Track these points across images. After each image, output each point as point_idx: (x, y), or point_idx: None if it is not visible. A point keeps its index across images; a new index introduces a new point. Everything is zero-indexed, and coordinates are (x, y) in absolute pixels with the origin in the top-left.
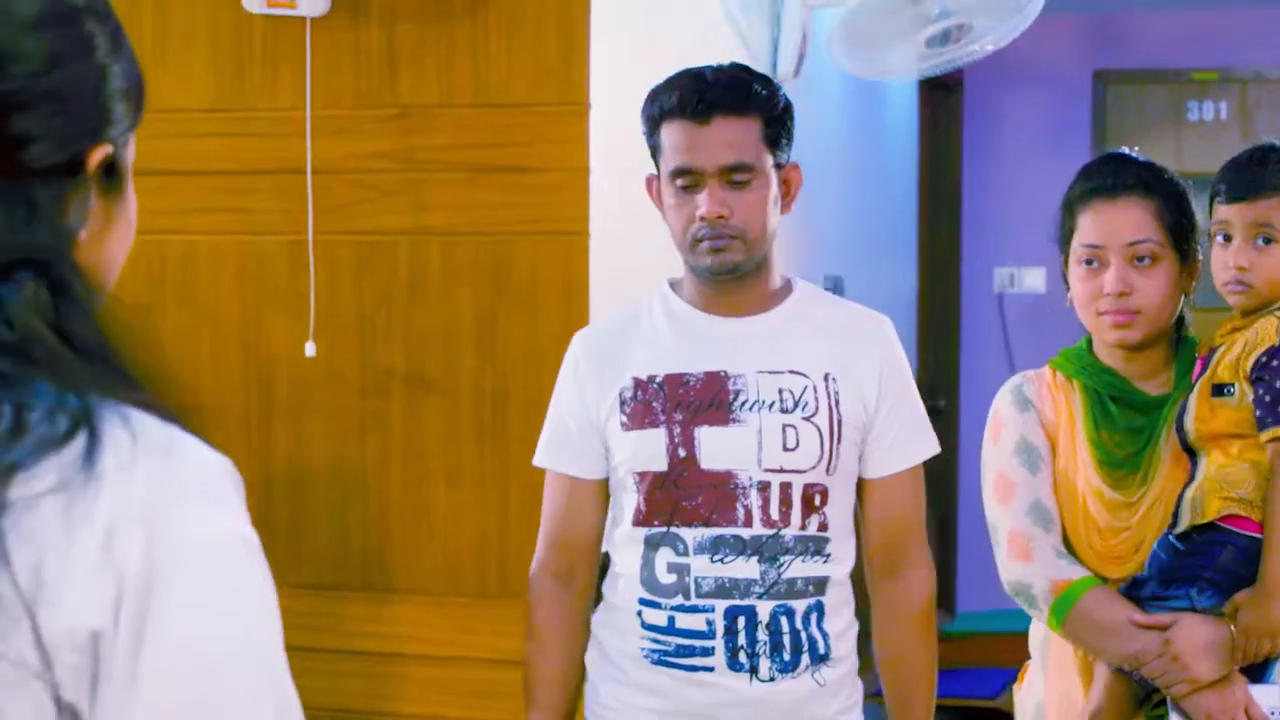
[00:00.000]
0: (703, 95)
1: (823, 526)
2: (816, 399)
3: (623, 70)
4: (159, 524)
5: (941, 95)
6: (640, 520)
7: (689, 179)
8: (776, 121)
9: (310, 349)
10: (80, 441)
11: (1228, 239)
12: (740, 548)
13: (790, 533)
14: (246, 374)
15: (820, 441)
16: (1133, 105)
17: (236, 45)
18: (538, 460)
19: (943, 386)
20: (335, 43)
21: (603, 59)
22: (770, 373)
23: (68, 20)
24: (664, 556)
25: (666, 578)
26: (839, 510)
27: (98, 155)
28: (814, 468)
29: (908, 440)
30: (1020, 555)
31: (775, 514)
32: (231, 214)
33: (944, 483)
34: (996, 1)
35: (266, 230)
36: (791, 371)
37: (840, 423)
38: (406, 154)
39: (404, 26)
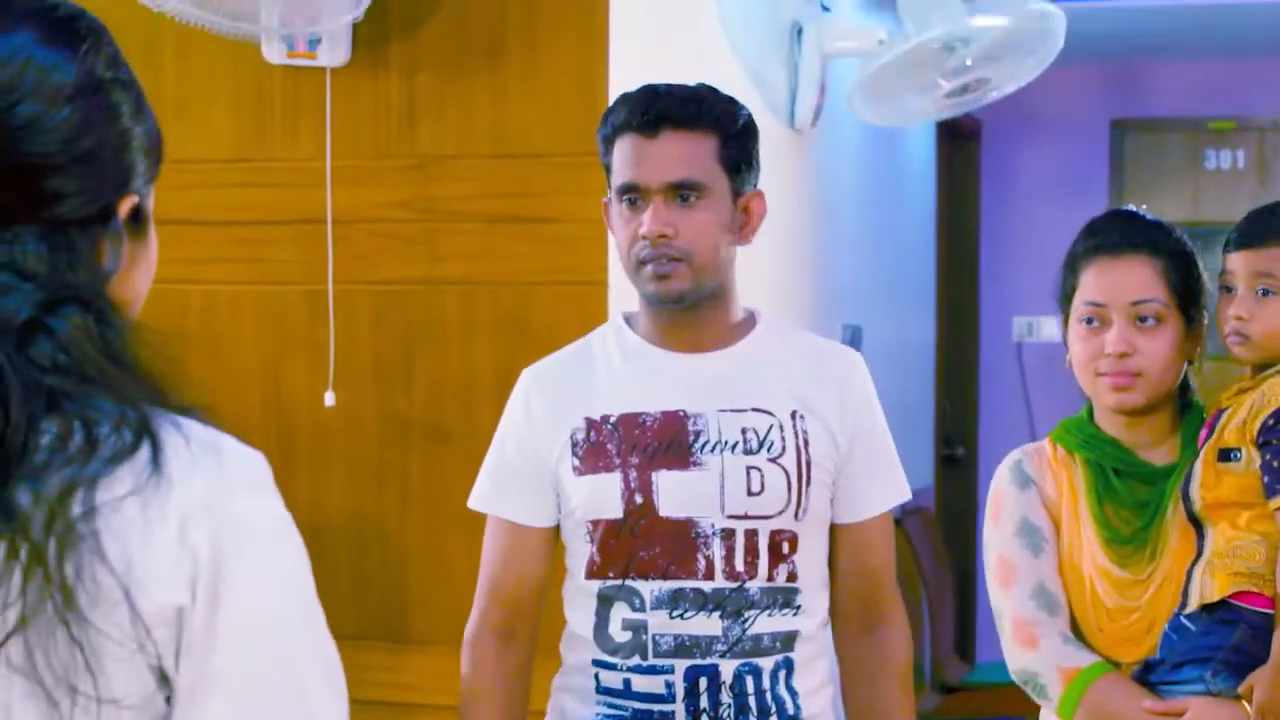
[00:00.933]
0: (651, 107)
1: (792, 576)
2: (783, 438)
3: None
4: (221, 514)
5: (959, 144)
6: (593, 572)
7: (634, 195)
8: (734, 141)
9: (330, 398)
10: (145, 449)
11: (1230, 289)
12: (701, 602)
13: (756, 585)
14: (266, 423)
15: (788, 484)
16: (1150, 154)
17: (257, 96)
18: (474, 503)
19: (961, 435)
20: (355, 93)
21: None
22: (733, 411)
23: (96, 91)
24: (619, 612)
25: (621, 635)
26: (810, 558)
27: (126, 205)
28: (781, 513)
29: (883, 483)
30: (1026, 643)
31: (740, 564)
32: (251, 264)
33: (962, 531)
34: (1013, 51)
35: (286, 280)
36: (755, 410)
37: (809, 464)
38: (426, 204)
39: (423, 77)
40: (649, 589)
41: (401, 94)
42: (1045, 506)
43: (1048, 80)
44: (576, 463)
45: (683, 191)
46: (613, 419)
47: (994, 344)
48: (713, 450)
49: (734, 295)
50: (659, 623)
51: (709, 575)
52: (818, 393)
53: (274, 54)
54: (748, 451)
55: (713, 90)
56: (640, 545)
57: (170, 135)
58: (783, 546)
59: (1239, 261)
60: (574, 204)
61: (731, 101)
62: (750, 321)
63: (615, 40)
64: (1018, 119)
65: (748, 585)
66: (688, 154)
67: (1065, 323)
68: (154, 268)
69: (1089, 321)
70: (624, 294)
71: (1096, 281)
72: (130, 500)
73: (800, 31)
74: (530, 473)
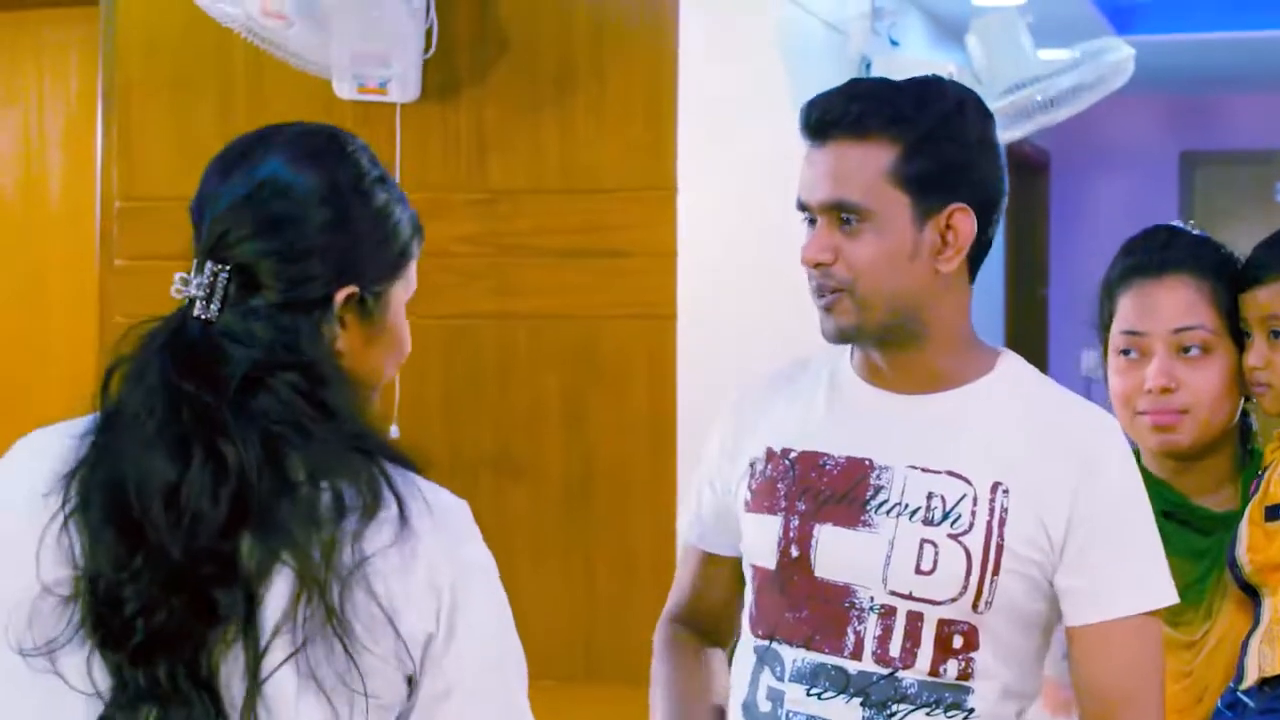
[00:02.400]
0: (823, 107)
1: (965, 675)
2: (974, 513)
3: (710, 155)
4: (457, 562)
5: (1028, 176)
6: (752, 626)
7: (804, 213)
8: (923, 150)
9: (394, 431)
10: (393, 507)
11: (1248, 335)
12: (842, 684)
13: (912, 676)
14: None
15: (966, 568)
16: (1220, 186)
17: None
18: (680, 527)
19: None
20: (425, 128)
21: (690, 143)
22: (924, 471)
23: (323, 202)
24: (765, 678)
25: (764, 704)
26: (998, 660)
27: (342, 294)
28: (953, 600)
29: (1125, 582)
30: (1058, 709)
31: (895, 649)
32: None
33: None
34: (1085, 91)
35: None
36: (950, 473)
37: (1000, 549)
38: (494, 238)
39: (493, 112)
40: (791, 657)
41: (471, 129)
42: None
43: (1117, 112)
44: (748, 496)
45: (842, 214)
46: (794, 454)
47: (1063, 379)
48: (889, 512)
49: (953, 331)
50: (795, 698)
51: (856, 655)
52: (1039, 465)
53: (345, 89)
54: (927, 521)
55: (925, 84)
56: (789, 605)
57: None
58: (954, 640)
59: (1248, 304)
60: (643, 238)
61: (933, 99)
62: (986, 364)
63: (684, 75)
64: (1087, 151)
65: (901, 675)
66: (847, 168)
67: (1105, 355)
68: (400, 347)
69: (1126, 352)
70: (693, 328)
71: (1134, 307)
72: (392, 550)
73: (869, 66)
74: (716, 497)
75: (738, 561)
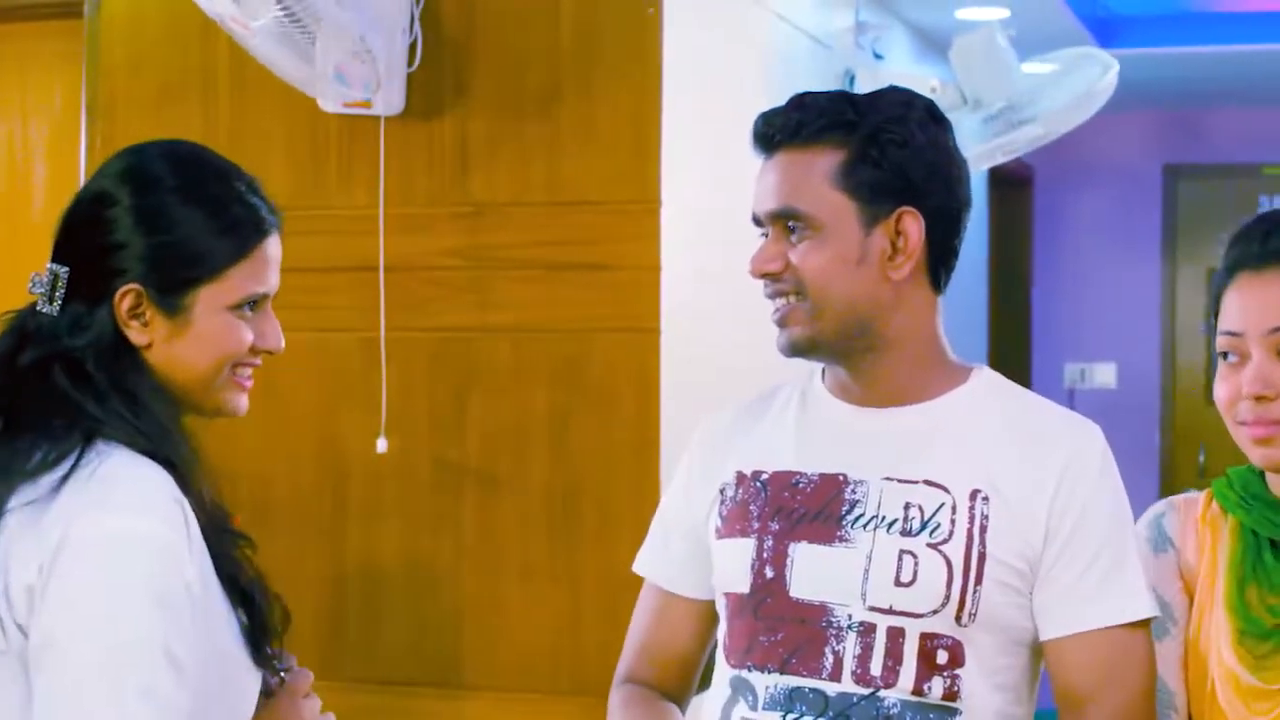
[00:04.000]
0: (768, 120)
1: (951, 695)
2: (954, 521)
3: (695, 169)
4: (83, 521)
5: (1011, 190)
6: (725, 656)
7: (760, 230)
8: (870, 154)
9: (382, 445)
10: (62, 470)
11: (1227, 355)
12: (820, 707)
13: (895, 696)
14: (321, 469)
15: (948, 578)
16: (1203, 200)
17: (312, 144)
18: (636, 564)
19: None
20: (409, 141)
21: (675, 158)
22: (900, 481)
23: (101, 204)
24: (737, 711)
25: None
26: (985, 678)
27: (121, 295)
28: (935, 612)
29: (1105, 593)
30: None
31: (876, 668)
32: (305, 311)
33: None
34: (1067, 106)
35: (340, 327)
36: (927, 482)
37: (983, 558)
38: (479, 251)
39: (477, 125)
40: (764, 684)
41: (455, 142)
42: (1182, 576)
43: (1100, 126)
44: (719, 523)
45: (789, 223)
46: (765, 475)
47: (1046, 391)
48: (866, 525)
49: (915, 341)
50: None
51: (835, 676)
52: (1020, 471)
53: (329, 103)
54: (906, 532)
55: (874, 92)
56: (763, 629)
57: None
58: (936, 655)
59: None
60: (627, 251)
61: (879, 104)
62: (959, 378)
63: (668, 88)
64: (1070, 165)
65: (883, 695)
66: (795, 177)
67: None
68: (210, 345)
69: (1225, 356)
70: (677, 341)
71: (1235, 305)
72: (30, 506)
73: (853, 79)
74: (684, 534)
75: (706, 606)
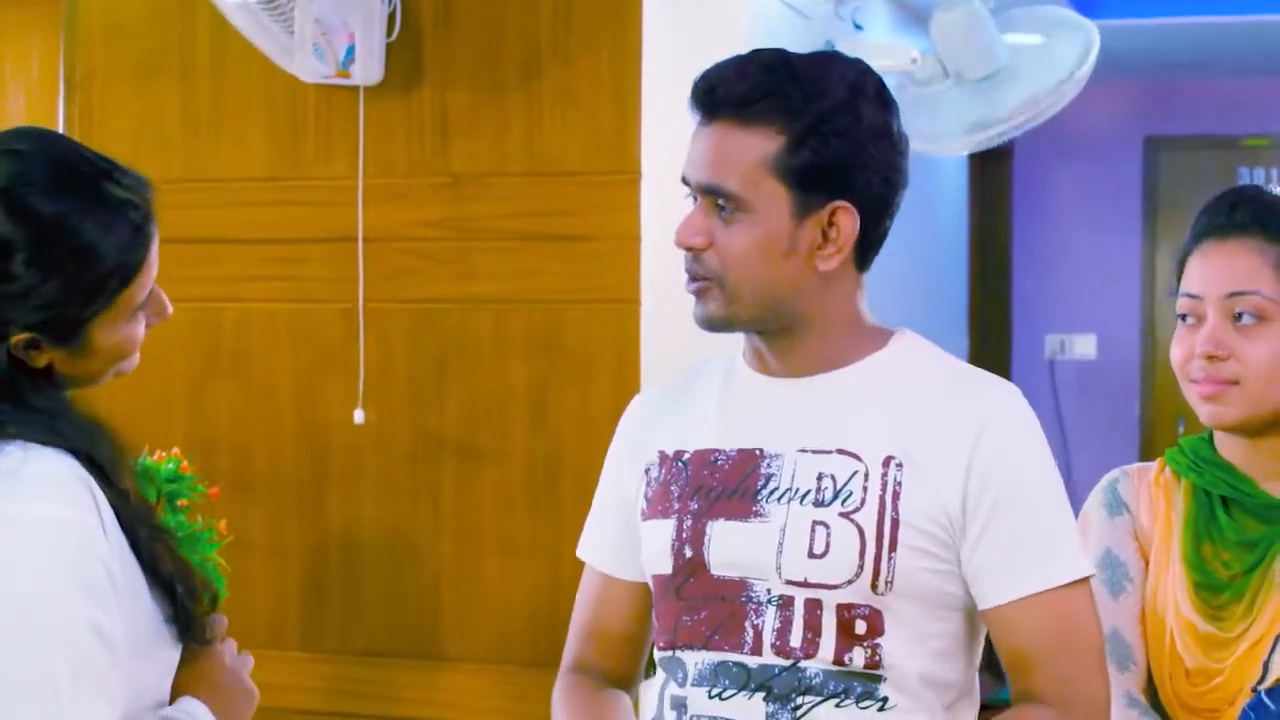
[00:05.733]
0: (710, 81)
1: (873, 664)
2: (865, 489)
3: (675, 139)
4: None
5: (991, 163)
6: (656, 638)
7: (688, 191)
8: (810, 142)
9: (359, 416)
10: None
11: (1185, 317)
12: (743, 680)
13: (815, 666)
14: (299, 441)
15: (860, 547)
16: (1183, 171)
17: (291, 115)
18: (578, 548)
19: None
20: (388, 112)
21: (655, 128)
22: (813, 452)
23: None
24: (669, 689)
25: (669, 716)
26: (908, 647)
27: (16, 341)
28: (850, 582)
29: (1035, 557)
30: None
31: (796, 640)
32: (284, 282)
33: None
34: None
35: (319, 298)
36: (840, 451)
37: (896, 524)
38: (458, 222)
39: (457, 95)
40: (693, 661)
41: (434, 112)
42: (1136, 537)
43: (1081, 98)
44: (644, 505)
45: (719, 200)
46: (686, 455)
47: (1027, 362)
48: (780, 499)
49: (836, 318)
50: (697, 702)
51: (756, 650)
52: (935, 437)
53: (307, 73)
54: (818, 503)
55: (822, 66)
56: (686, 609)
57: (204, 154)
58: (855, 625)
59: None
60: (607, 222)
61: (826, 86)
62: (877, 342)
63: (648, 59)
64: (1050, 136)
65: (804, 665)
66: (730, 154)
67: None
68: (115, 356)
69: (1184, 318)
70: (657, 313)
71: (1196, 270)
72: None
73: (834, 49)
74: (617, 516)
75: (644, 588)
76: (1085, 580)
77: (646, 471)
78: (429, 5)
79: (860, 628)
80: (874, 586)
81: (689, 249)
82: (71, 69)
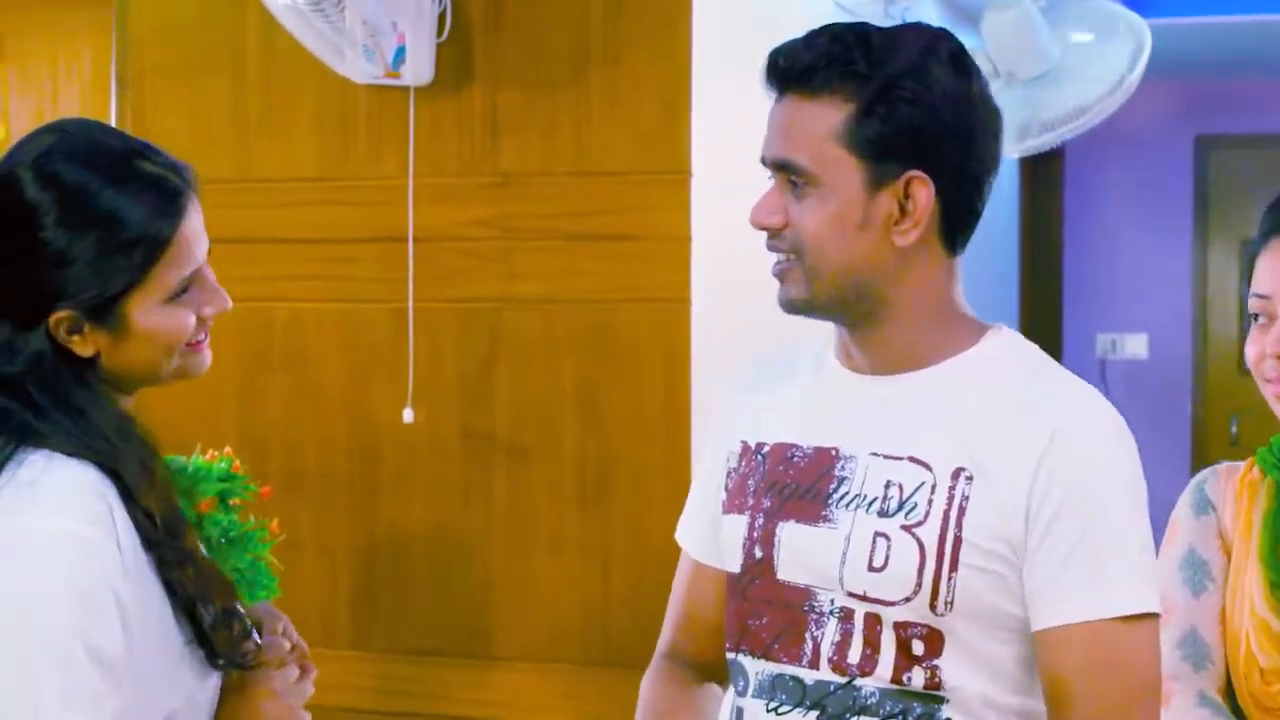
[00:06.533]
0: (778, 57)
1: (934, 684)
2: (930, 503)
3: (724, 139)
4: None
5: (1043, 163)
6: (725, 637)
7: (769, 173)
8: (880, 109)
9: (408, 415)
10: None
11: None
12: (798, 696)
13: (873, 685)
14: (350, 440)
15: (919, 564)
16: (1235, 170)
17: (341, 115)
18: (677, 531)
19: None
20: (439, 112)
21: (704, 127)
22: (885, 457)
23: (24, 223)
24: (731, 697)
25: None
26: (972, 669)
27: (56, 319)
28: (907, 600)
29: (1094, 582)
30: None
31: (854, 656)
32: (334, 281)
33: None
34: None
35: (369, 298)
36: (911, 459)
37: (958, 542)
38: (508, 221)
39: (507, 95)
40: (754, 670)
41: (484, 112)
42: (1220, 537)
43: (1131, 97)
44: (724, 496)
45: (791, 176)
46: (766, 448)
47: (1078, 361)
48: (848, 505)
49: (922, 306)
50: (754, 714)
51: (813, 664)
52: (1006, 445)
53: (358, 73)
54: (883, 513)
55: (893, 33)
56: (750, 612)
57: (255, 154)
58: (912, 645)
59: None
60: (656, 221)
61: (896, 51)
62: (968, 339)
63: (698, 57)
64: (1101, 136)
65: (860, 684)
66: (798, 127)
67: None
68: (157, 343)
69: (1256, 318)
70: (707, 312)
71: (1265, 268)
72: None
73: None
74: (710, 499)
75: (721, 576)
76: (1146, 617)
77: (728, 460)
78: (479, 5)
79: (918, 648)
80: (933, 606)
81: (764, 228)
82: (123, 69)
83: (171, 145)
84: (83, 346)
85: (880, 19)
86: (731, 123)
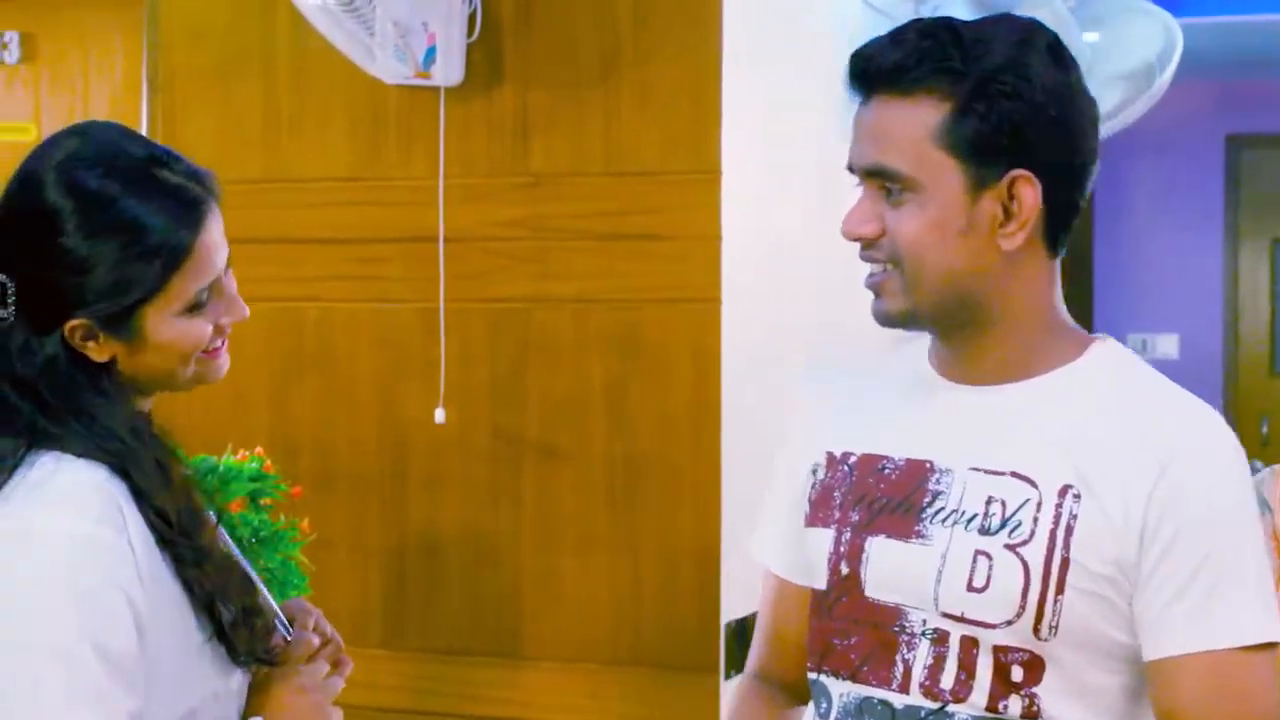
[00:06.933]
0: (865, 58)
1: (1032, 713)
2: (1036, 521)
3: (754, 138)
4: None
5: None
6: (807, 654)
7: (856, 180)
8: (974, 109)
9: (440, 415)
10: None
11: None
12: None
13: (966, 712)
14: (381, 440)
15: (1024, 585)
16: (1266, 169)
17: (372, 115)
18: (753, 546)
19: None
20: (469, 112)
21: (734, 126)
22: (985, 472)
23: (44, 229)
24: (812, 717)
25: None
26: (1077, 697)
27: (71, 327)
28: (1009, 623)
29: (1209, 611)
30: None
31: (947, 680)
32: (365, 282)
33: None
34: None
35: (399, 298)
36: (1014, 474)
37: (1066, 564)
38: (538, 222)
39: (537, 95)
40: (838, 692)
41: (515, 112)
42: (1276, 537)
43: (1162, 96)
44: (808, 508)
45: (885, 182)
46: (853, 458)
47: None
48: (945, 521)
49: (1027, 312)
50: None
51: (903, 688)
52: (1118, 466)
53: (388, 73)
54: (984, 530)
55: (987, 26)
56: (836, 631)
57: (285, 155)
58: (1012, 671)
59: None
60: (687, 221)
61: (992, 45)
62: (1073, 350)
63: (728, 56)
64: (1130, 134)
65: (952, 710)
66: (891, 130)
67: None
68: (173, 351)
69: None
70: (737, 312)
71: None
72: None
73: None
74: (789, 511)
75: (804, 591)
76: (1265, 647)
77: (813, 472)
78: (509, 5)
79: (1017, 674)
80: (1036, 631)
81: (858, 239)
82: (154, 70)
83: (202, 146)
84: (98, 352)
85: (911, 18)
86: (761, 122)
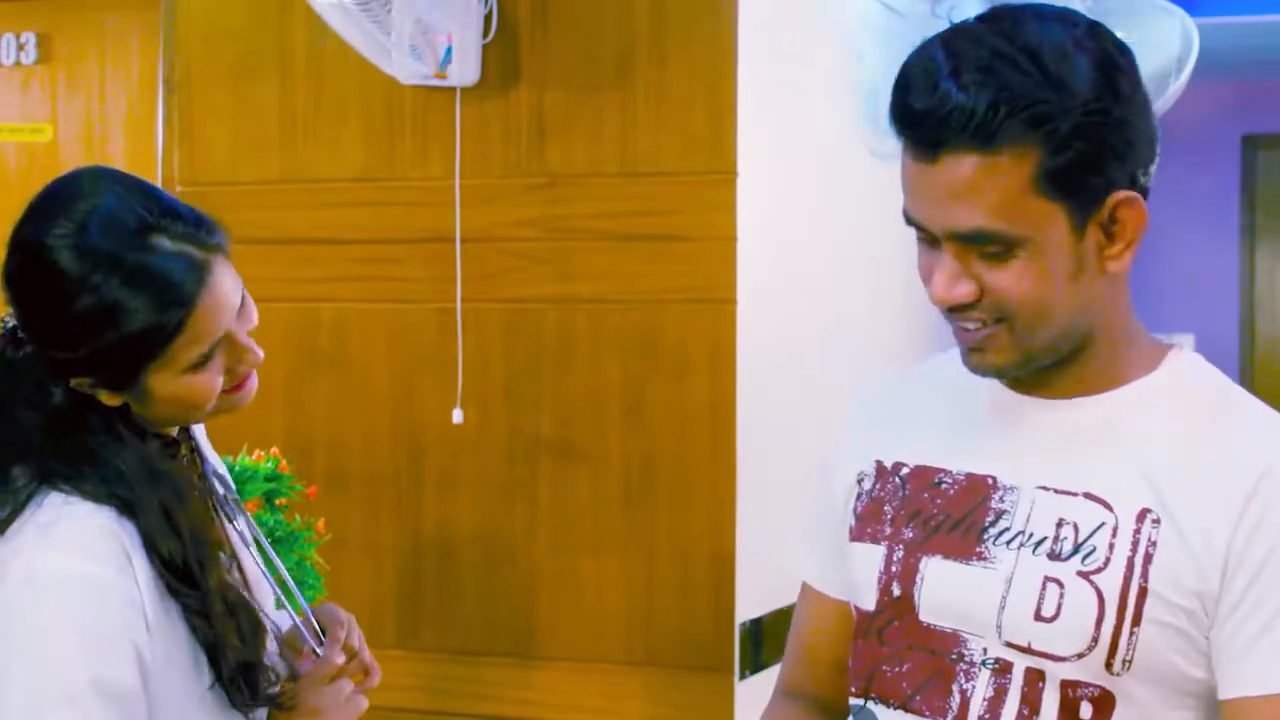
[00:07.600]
0: (927, 109)
1: None
2: (1112, 548)
3: (771, 138)
4: (7, 561)
5: None
6: (850, 676)
7: (920, 231)
8: (1074, 143)
9: (458, 416)
10: (6, 518)
11: None
12: None
13: None
14: (396, 440)
15: (1098, 616)
16: None
17: (388, 115)
18: (791, 557)
19: None
20: (485, 113)
21: (751, 127)
22: (1055, 492)
23: (54, 295)
24: None
25: None
26: None
27: (76, 383)
28: (1080, 656)
29: (1275, 646)
30: None
31: (1009, 715)
32: (381, 282)
33: None
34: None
35: (416, 299)
36: (1088, 496)
37: (1143, 594)
38: (554, 222)
39: (553, 96)
40: None
41: (531, 113)
42: None
43: (1178, 96)
44: (852, 521)
45: (982, 248)
46: (906, 470)
47: None
48: (1009, 543)
49: (1121, 328)
50: None
51: (961, 719)
52: (1201, 488)
53: (404, 75)
54: (1054, 555)
55: (1053, 44)
56: (886, 656)
57: (302, 155)
58: (1080, 707)
59: None
60: (703, 222)
61: (1073, 69)
62: (1150, 361)
63: (744, 57)
64: None
65: None
66: (980, 189)
67: None
68: (181, 402)
69: None
70: (753, 313)
71: None
72: None
73: None
74: (830, 523)
75: (843, 607)
76: None
77: (859, 482)
78: (525, 6)
79: (1085, 710)
80: (1109, 665)
81: (955, 305)
82: (170, 71)
83: (218, 146)
84: (109, 399)
85: (926, 18)
86: (778, 123)
